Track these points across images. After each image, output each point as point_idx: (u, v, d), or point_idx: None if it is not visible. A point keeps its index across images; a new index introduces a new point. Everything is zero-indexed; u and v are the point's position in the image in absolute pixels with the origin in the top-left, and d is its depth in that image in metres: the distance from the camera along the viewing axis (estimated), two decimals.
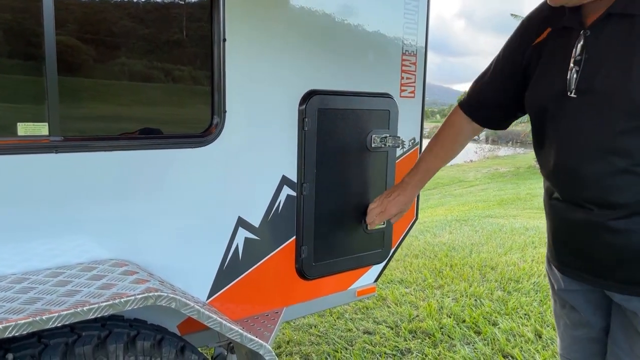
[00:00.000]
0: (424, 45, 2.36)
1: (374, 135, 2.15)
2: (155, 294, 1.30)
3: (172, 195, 1.69)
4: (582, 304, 1.46)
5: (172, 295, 1.32)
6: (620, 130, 1.17)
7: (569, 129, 1.28)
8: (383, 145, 2.15)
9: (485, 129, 1.76)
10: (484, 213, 8.73)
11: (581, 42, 1.25)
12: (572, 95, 1.25)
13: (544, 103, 1.35)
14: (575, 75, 1.25)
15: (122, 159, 1.58)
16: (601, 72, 1.20)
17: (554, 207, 1.41)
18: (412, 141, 2.40)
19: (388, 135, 2.18)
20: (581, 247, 1.35)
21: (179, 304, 1.34)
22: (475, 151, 37.06)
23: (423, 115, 2.44)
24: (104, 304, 1.23)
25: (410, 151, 2.38)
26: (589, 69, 1.23)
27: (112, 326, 1.37)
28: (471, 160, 31.24)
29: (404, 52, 2.28)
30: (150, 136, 1.68)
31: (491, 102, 1.61)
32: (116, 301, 1.24)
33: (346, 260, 2.20)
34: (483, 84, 1.62)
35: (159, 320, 1.62)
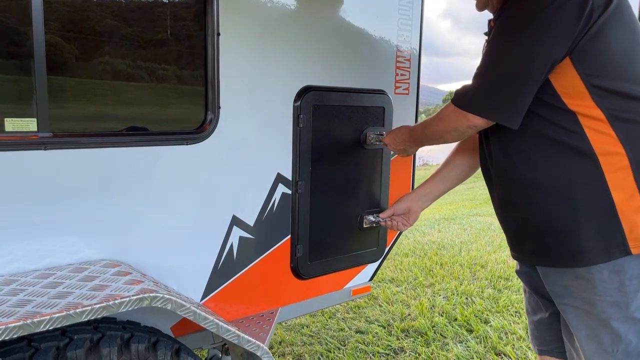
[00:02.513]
0: (418, 42, 2.35)
1: (369, 133, 2.12)
2: (151, 295, 1.25)
3: (165, 193, 1.65)
4: (533, 288, 1.57)
5: (167, 296, 1.28)
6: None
7: None
8: (378, 143, 2.13)
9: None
10: (471, 212, 8.77)
11: (484, 43, 1.52)
12: None
13: None
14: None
15: (114, 156, 1.53)
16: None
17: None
18: None
19: (384, 132, 2.16)
20: (501, 224, 1.53)
21: (175, 305, 1.30)
22: None
23: (417, 112, 2.42)
24: (98, 305, 1.18)
25: None
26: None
27: (105, 329, 1.32)
28: None
29: (398, 49, 2.26)
30: (142, 132, 1.63)
31: None
32: (110, 303, 1.20)
33: (342, 259, 2.17)
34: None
35: (152, 322, 1.58)
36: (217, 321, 1.39)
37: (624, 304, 1.27)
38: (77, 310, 1.15)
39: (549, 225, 1.34)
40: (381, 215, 2.04)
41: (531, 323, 1.65)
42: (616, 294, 1.27)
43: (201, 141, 1.68)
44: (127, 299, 1.22)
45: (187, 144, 1.65)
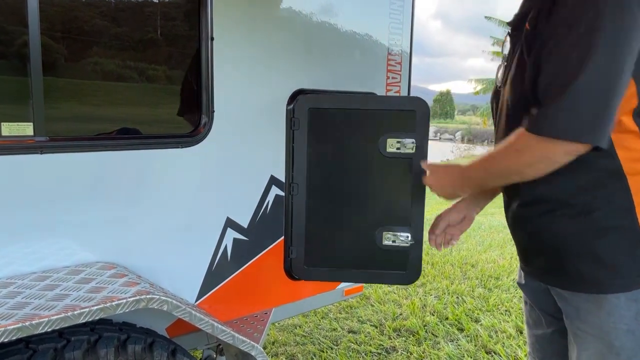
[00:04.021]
0: (408, 45, 2.38)
1: (389, 139, 2.12)
2: (147, 296, 1.27)
3: (160, 195, 1.67)
4: (538, 302, 1.46)
5: (164, 298, 1.30)
6: (510, 127, 1.20)
7: (498, 120, 1.36)
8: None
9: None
10: None
11: (507, 40, 1.33)
12: (499, 88, 1.33)
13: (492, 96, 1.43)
14: (501, 70, 1.33)
15: (109, 160, 1.55)
16: (511, 68, 1.25)
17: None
18: None
19: (413, 141, 2.15)
20: (513, 236, 1.41)
21: (171, 307, 1.32)
22: (452, 150, 37.50)
23: None
24: (95, 307, 1.20)
25: None
26: (509, 64, 1.27)
27: (102, 330, 1.34)
28: (448, 159, 31.60)
29: (389, 51, 2.29)
30: (137, 136, 1.65)
31: None
32: (107, 305, 1.22)
33: (351, 273, 1.98)
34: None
35: (147, 323, 1.59)
36: (212, 322, 1.41)
37: (639, 333, 1.19)
38: (75, 312, 1.17)
39: (567, 247, 1.23)
40: (431, 231, 1.73)
41: (531, 336, 1.55)
42: (632, 322, 1.18)
43: (195, 144, 1.70)
44: (124, 300, 1.24)
45: (181, 147, 1.67)
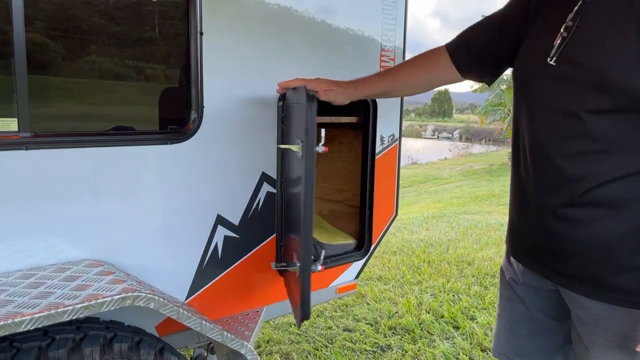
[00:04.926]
0: (402, 41, 2.36)
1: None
2: (133, 294, 1.26)
3: (149, 193, 1.65)
4: (533, 297, 1.37)
5: (150, 296, 1.28)
6: (589, 110, 1.06)
7: (538, 98, 1.18)
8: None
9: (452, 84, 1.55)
10: (459, 210, 8.83)
11: (576, 8, 1.12)
12: (552, 62, 1.13)
13: (526, 68, 1.24)
14: (559, 41, 1.13)
15: (96, 156, 1.53)
16: (587, 44, 1.08)
17: (512, 188, 1.33)
18: (392, 137, 2.40)
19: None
20: (533, 233, 1.25)
21: (158, 304, 1.30)
22: (450, 149, 37.53)
23: (402, 111, 2.44)
24: (80, 305, 1.18)
25: (390, 147, 2.38)
26: (577, 38, 1.10)
27: (88, 329, 1.32)
28: (445, 158, 31.60)
29: (382, 48, 2.27)
30: (124, 132, 1.63)
31: (480, 50, 1.41)
32: (92, 302, 1.20)
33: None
34: (479, 30, 1.43)
35: (136, 321, 1.58)
36: (200, 320, 1.40)
37: None
38: (59, 310, 1.15)
39: (613, 256, 1.11)
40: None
41: (510, 331, 1.45)
42: None
43: (184, 140, 1.68)
44: (109, 298, 1.22)
45: (170, 144, 1.65)
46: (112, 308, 1.22)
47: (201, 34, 1.67)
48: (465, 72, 1.47)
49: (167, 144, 1.65)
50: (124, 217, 1.61)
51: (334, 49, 2.10)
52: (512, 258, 1.41)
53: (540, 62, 1.16)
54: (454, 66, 1.46)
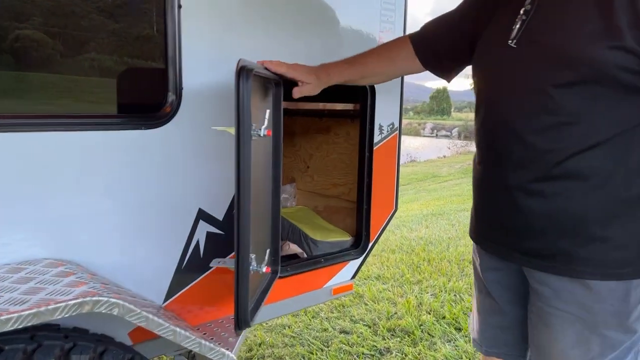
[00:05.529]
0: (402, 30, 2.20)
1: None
2: (92, 299, 1.08)
3: (120, 184, 1.47)
4: (499, 289, 1.41)
5: (114, 300, 1.11)
6: (555, 84, 1.09)
7: (505, 81, 1.20)
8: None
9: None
10: (459, 207, 8.67)
11: None
12: (513, 44, 1.18)
13: (487, 53, 1.29)
14: (519, 24, 1.18)
15: (58, 142, 1.35)
16: (548, 23, 1.13)
17: (477, 173, 1.36)
18: (391, 126, 2.23)
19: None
20: (498, 214, 1.28)
21: (123, 310, 1.13)
22: (448, 147, 37.45)
23: (402, 98, 2.27)
24: (27, 312, 1.01)
25: (390, 136, 2.21)
26: (536, 18, 1.15)
27: (43, 338, 1.14)
28: (444, 156, 31.48)
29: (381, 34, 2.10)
30: (90, 115, 1.45)
31: (443, 44, 1.49)
32: (42, 309, 1.02)
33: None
34: (441, 22, 1.51)
35: (107, 328, 1.40)
36: (174, 327, 1.22)
37: (625, 314, 1.15)
38: (1, 318, 0.98)
39: (583, 227, 1.13)
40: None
41: (483, 323, 1.49)
42: (620, 303, 1.14)
43: (161, 125, 1.51)
44: (64, 304, 1.04)
45: (144, 129, 1.48)
46: (67, 315, 1.05)
47: (179, 6, 1.49)
48: (428, 64, 1.54)
49: (140, 128, 1.47)
50: (93, 211, 1.43)
51: (330, 44, 1.93)
52: (477, 246, 1.45)
53: (502, 46, 1.20)
54: (417, 58, 1.53)
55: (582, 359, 1.19)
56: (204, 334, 1.61)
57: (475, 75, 1.34)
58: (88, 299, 1.08)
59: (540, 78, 1.11)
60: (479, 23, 1.34)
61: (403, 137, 2.44)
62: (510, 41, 1.18)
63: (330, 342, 3.02)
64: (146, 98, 1.57)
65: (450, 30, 1.46)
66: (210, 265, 1.49)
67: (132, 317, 1.14)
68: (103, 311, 1.10)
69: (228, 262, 1.50)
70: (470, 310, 3.42)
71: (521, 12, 1.18)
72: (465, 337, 3.08)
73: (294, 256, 2.11)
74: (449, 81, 1.61)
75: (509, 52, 1.18)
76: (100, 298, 1.09)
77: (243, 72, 1.16)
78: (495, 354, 1.49)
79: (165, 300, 1.61)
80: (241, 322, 1.23)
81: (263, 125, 1.24)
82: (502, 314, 1.42)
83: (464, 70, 1.56)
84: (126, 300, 1.15)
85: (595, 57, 1.04)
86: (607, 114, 1.08)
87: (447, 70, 1.54)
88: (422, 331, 3.16)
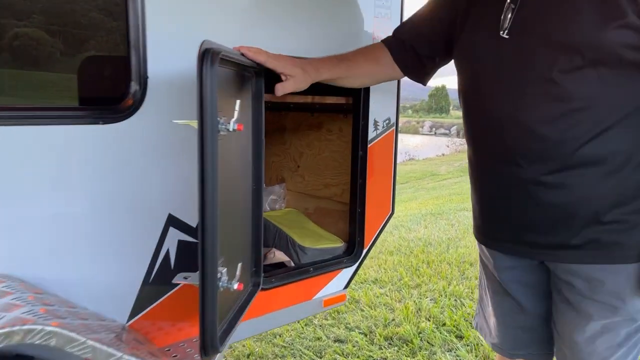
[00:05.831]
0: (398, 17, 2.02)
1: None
2: (23, 327, 0.89)
3: (75, 187, 1.28)
4: (518, 288, 1.39)
5: (49, 329, 0.92)
6: (561, 70, 1.07)
7: (496, 72, 1.18)
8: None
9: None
10: (458, 206, 8.49)
11: None
12: (505, 35, 1.16)
13: (474, 45, 1.25)
14: (510, 14, 1.15)
15: (2, 137, 1.16)
16: (544, 11, 1.11)
17: (480, 172, 1.34)
18: (387, 122, 2.04)
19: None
20: (512, 212, 1.25)
21: (62, 341, 0.94)
22: (447, 145, 37.33)
23: (399, 92, 2.09)
24: None
25: (386, 133, 2.02)
26: (528, 7, 1.13)
27: None
28: (443, 154, 31.32)
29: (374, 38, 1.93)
30: (40, 107, 1.26)
31: (419, 50, 1.47)
32: None
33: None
34: (415, 23, 1.50)
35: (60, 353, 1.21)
36: (128, 357, 1.03)
37: None
38: None
39: (607, 211, 1.13)
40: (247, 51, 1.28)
41: (502, 325, 1.46)
42: None
43: (122, 120, 1.31)
44: None
45: (102, 123, 1.29)
46: None
47: None
48: (407, 72, 1.51)
49: (97, 123, 1.28)
50: (41, 218, 1.24)
51: (317, 24, 1.75)
52: (487, 249, 1.41)
53: (493, 38, 1.17)
54: (397, 66, 1.50)
55: (609, 344, 1.20)
56: (175, 356, 1.42)
57: (462, 70, 1.30)
58: (17, 328, 0.89)
59: (544, 66, 1.09)
60: (458, 22, 1.31)
61: (401, 136, 2.27)
62: (501, 32, 1.15)
63: (323, 352, 2.85)
64: (105, 89, 1.38)
65: (429, 27, 1.45)
66: (173, 281, 1.30)
67: (74, 348, 0.95)
68: (37, 342, 0.91)
69: (195, 278, 1.31)
70: (472, 316, 3.25)
71: (508, 0, 1.16)
72: (467, 346, 2.91)
73: (280, 265, 1.92)
74: (425, 85, 1.62)
75: (502, 42, 1.15)
76: (34, 327, 0.90)
77: (207, 55, 0.98)
78: (521, 356, 1.47)
79: (130, 318, 1.42)
80: (208, 348, 1.04)
81: (233, 118, 1.05)
82: (524, 313, 1.40)
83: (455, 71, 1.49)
84: (69, 327, 0.97)
85: (600, 39, 1.03)
86: (616, 95, 1.07)
87: (424, 75, 1.54)
88: (421, 339, 2.99)
